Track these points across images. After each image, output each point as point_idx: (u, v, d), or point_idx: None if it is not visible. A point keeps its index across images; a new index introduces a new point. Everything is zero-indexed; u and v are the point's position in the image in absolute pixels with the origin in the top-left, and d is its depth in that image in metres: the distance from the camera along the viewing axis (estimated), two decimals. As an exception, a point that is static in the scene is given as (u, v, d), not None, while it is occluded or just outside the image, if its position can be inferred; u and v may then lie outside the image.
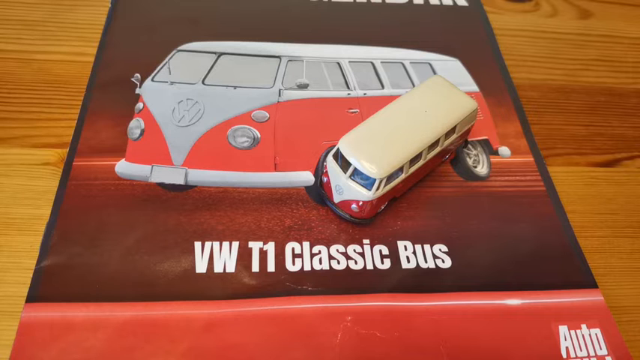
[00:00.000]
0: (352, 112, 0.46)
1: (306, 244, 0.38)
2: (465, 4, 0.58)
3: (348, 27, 0.54)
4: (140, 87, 0.46)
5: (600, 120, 0.50)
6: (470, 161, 0.45)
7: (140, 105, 0.45)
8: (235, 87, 0.46)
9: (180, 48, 0.49)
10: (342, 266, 0.38)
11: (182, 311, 0.34)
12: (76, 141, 0.42)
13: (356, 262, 0.38)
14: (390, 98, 0.42)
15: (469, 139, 0.45)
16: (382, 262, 0.38)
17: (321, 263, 0.38)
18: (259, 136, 0.43)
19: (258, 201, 0.40)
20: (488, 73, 0.51)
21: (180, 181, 0.41)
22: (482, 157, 0.45)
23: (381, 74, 0.49)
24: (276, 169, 0.42)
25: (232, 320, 0.34)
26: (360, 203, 0.38)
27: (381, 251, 0.38)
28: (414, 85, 0.49)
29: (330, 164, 0.38)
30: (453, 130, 0.40)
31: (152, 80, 0.46)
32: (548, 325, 0.36)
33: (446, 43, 0.53)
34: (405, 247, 0.39)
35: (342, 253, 0.38)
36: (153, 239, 0.37)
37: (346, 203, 0.38)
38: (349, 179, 0.37)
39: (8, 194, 0.40)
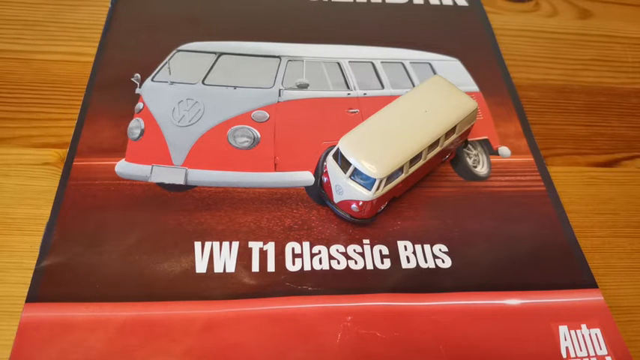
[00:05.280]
0: (352, 112, 0.46)
1: (306, 244, 0.38)
2: (465, 4, 0.58)
3: (348, 27, 0.54)
4: (140, 87, 0.46)
5: (600, 120, 0.50)
6: (470, 161, 0.45)
7: (140, 105, 0.45)
8: (235, 87, 0.46)
9: (180, 48, 0.49)
10: (342, 266, 0.38)
11: (182, 311, 0.34)
12: (76, 141, 0.42)
13: (356, 262, 0.38)
14: (390, 98, 0.42)
15: (469, 139, 0.45)
16: (382, 262, 0.38)
17: (321, 263, 0.38)
18: (259, 136, 0.43)
19: (258, 201, 0.40)
20: (488, 73, 0.51)
21: (180, 181, 0.41)
22: (483, 157, 0.45)
23: (381, 74, 0.49)
24: (276, 169, 0.42)
25: (232, 320, 0.34)
26: (360, 203, 0.38)
27: (381, 251, 0.39)
28: (414, 85, 0.49)
29: (330, 164, 0.39)
30: (453, 130, 0.40)
31: (152, 80, 0.46)
32: (548, 325, 0.36)
33: (446, 43, 0.53)
34: (405, 247, 0.39)
35: (342, 253, 0.38)
36: (153, 239, 0.37)
37: (346, 203, 0.38)
38: (349, 179, 0.37)
39: (8, 194, 0.40)
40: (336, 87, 0.47)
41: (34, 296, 0.34)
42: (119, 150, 0.42)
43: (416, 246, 0.39)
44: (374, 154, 0.36)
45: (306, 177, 0.42)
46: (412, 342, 0.35)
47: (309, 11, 0.55)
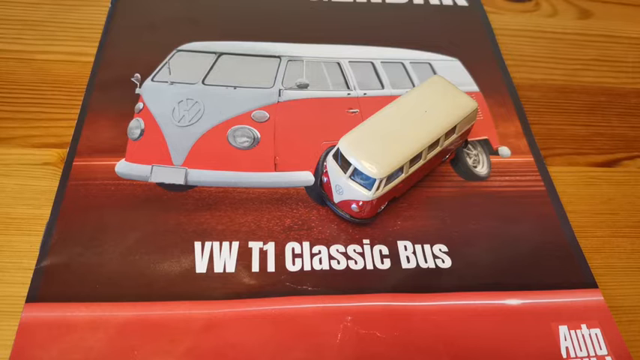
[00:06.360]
0: (352, 112, 0.46)
1: (306, 244, 0.38)
2: (465, 4, 0.58)
3: (348, 27, 0.54)
4: (140, 87, 0.46)
5: (600, 120, 0.50)
6: (470, 161, 0.45)
7: (140, 105, 0.45)
8: (235, 87, 0.46)
9: (180, 48, 0.49)
10: (342, 266, 0.38)
11: (182, 311, 0.34)
12: (76, 141, 0.42)
13: (356, 262, 0.38)
14: (390, 98, 0.42)
15: (469, 139, 0.45)
16: (382, 262, 0.38)
17: (321, 263, 0.38)
18: (259, 136, 0.43)
19: (258, 201, 0.40)
20: (488, 73, 0.51)
21: (180, 181, 0.41)
22: (482, 157, 0.45)
23: (381, 74, 0.49)
24: (276, 169, 0.42)
25: (232, 320, 0.34)
26: (360, 203, 0.38)
27: (381, 251, 0.39)
28: (414, 85, 0.49)
29: (330, 164, 0.39)
30: (453, 130, 0.40)
31: (152, 80, 0.46)
32: (548, 325, 0.36)
33: (446, 43, 0.53)
34: (405, 247, 0.39)
35: (342, 253, 0.38)
36: (153, 239, 0.37)
37: (346, 203, 0.38)
38: (349, 179, 0.37)
39: (8, 194, 0.40)
40: (336, 87, 0.47)
41: (34, 296, 0.34)
42: (119, 150, 0.42)
43: (416, 246, 0.39)
44: (374, 154, 0.36)
45: (306, 177, 0.42)
46: (412, 342, 0.35)
47: (309, 11, 0.55)
